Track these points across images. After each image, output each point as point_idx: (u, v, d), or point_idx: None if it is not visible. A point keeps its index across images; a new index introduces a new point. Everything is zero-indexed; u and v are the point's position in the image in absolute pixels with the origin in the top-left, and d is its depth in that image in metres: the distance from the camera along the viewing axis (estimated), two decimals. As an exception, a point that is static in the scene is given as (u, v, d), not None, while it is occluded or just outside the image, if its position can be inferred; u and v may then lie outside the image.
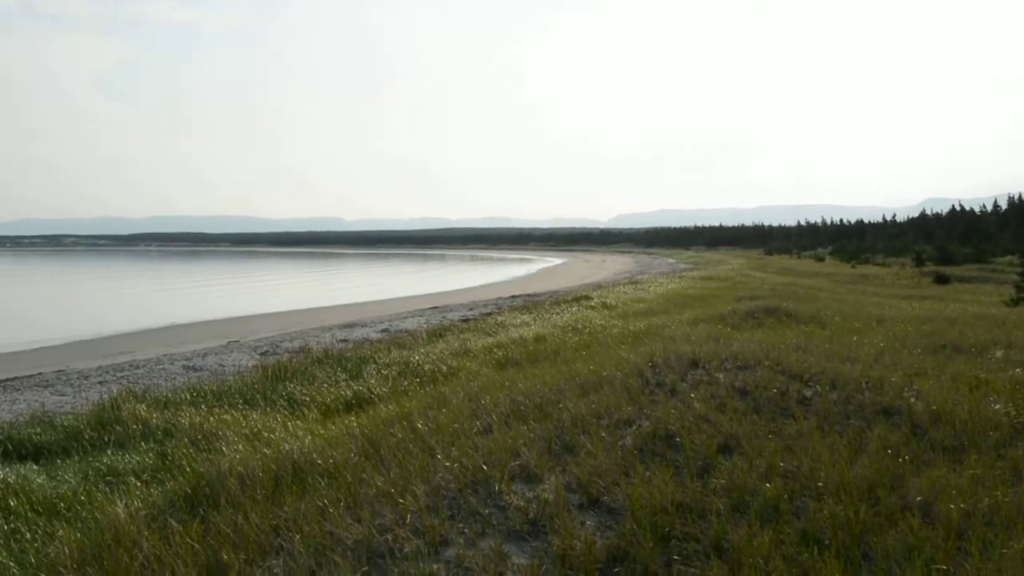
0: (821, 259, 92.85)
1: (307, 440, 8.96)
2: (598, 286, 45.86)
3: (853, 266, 72.25)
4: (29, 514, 7.78)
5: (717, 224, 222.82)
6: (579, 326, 21.10)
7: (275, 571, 5.41)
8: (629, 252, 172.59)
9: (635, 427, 7.97)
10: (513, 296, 42.76)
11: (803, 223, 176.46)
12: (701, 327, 16.70)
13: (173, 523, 6.45)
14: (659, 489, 6.16)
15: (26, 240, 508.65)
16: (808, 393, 9.28)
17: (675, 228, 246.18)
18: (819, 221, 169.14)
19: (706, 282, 41.86)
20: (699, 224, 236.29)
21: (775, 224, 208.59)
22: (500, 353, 16.67)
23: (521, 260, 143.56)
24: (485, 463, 6.91)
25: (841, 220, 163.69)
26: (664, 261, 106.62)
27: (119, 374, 19.50)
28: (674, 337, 14.51)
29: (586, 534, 5.52)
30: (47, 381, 19.24)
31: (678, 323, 18.79)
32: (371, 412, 11.19)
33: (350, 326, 29.83)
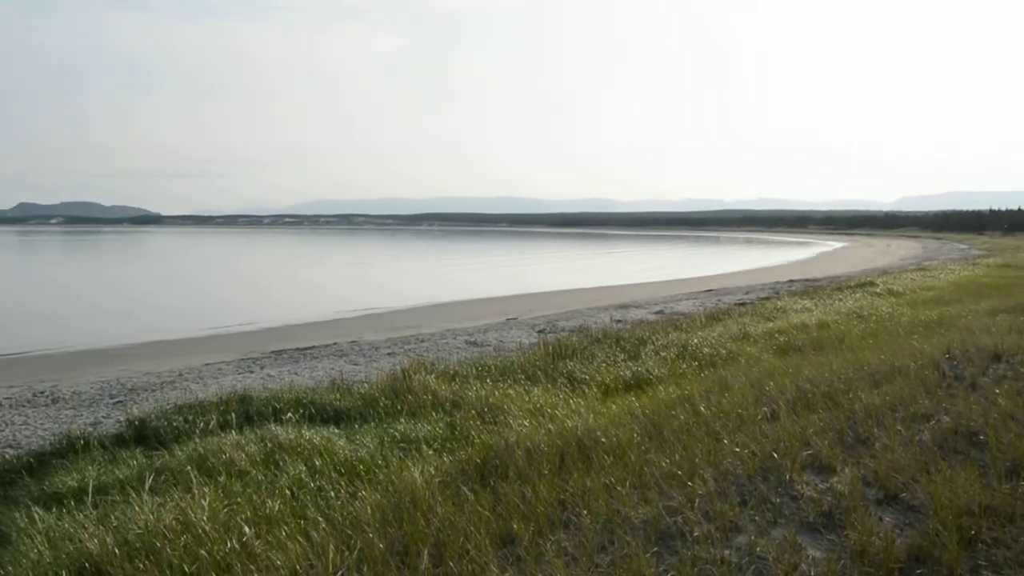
0: None
1: (590, 418, 9.10)
2: (882, 272, 43.80)
3: None
4: (332, 474, 8.31)
5: (1015, 208, 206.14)
6: (864, 313, 20.27)
7: (564, 544, 5.50)
8: (915, 236, 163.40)
9: (933, 422, 7.55)
10: (791, 280, 41.57)
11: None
12: (1000, 318, 15.55)
13: (465, 491, 6.71)
14: (963, 489, 5.79)
15: (322, 219, 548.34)
16: None
17: (967, 212, 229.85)
18: None
19: (1003, 270, 39.05)
20: (993, 208, 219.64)
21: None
22: (781, 339, 16.30)
23: (798, 243, 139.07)
24: (774, 451, 6.77)
25: None
26: (954, 247, 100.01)
27: (406, 347, 20.55)
28: (971, 328, 13.60)
29: (885, 531, 5.28)
30: (342, 351, 20.59)
31: (974, 313, 17.61)
32: (651, 393, 11.23)
33: (624, 307, 29.99)
